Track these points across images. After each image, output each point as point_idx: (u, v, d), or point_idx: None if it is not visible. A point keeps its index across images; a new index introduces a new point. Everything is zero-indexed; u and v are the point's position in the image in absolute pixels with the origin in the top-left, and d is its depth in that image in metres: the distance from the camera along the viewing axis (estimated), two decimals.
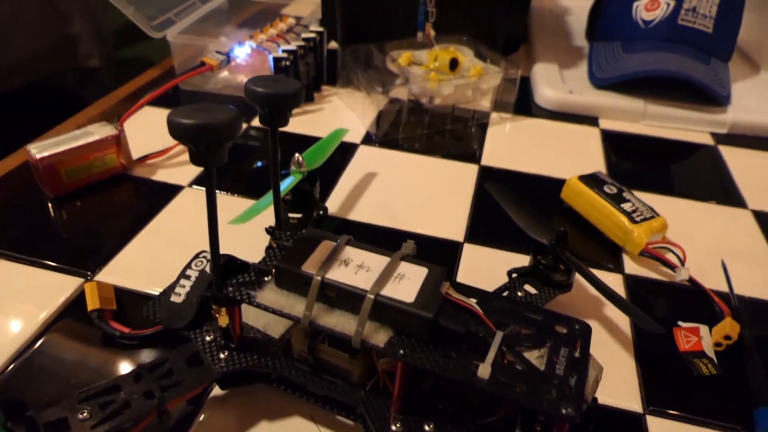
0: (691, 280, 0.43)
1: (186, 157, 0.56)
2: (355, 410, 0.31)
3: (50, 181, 0.47)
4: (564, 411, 0.25)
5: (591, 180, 0.50)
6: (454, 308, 0.29)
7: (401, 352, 0.27)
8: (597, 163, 0.59)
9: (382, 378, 0.31)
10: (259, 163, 0.56)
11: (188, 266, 0.35)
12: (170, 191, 0.51)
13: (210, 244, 0.28)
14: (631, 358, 0.38)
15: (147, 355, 0.36)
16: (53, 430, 0.26)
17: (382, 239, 0.47)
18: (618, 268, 0.46)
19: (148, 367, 0.31)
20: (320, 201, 0.48)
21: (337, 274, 0.29)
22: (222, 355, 0.32)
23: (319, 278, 0.28)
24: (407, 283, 0.29)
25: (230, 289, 0.30)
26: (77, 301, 0.39)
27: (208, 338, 0.33)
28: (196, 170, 0.54)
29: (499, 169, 0.58)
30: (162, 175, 0.53)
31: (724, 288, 0.44)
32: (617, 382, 0.36)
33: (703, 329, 0.40)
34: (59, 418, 0.27)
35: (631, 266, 0.46)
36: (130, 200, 0.50)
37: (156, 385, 0.30)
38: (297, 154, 0.46)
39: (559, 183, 0.53)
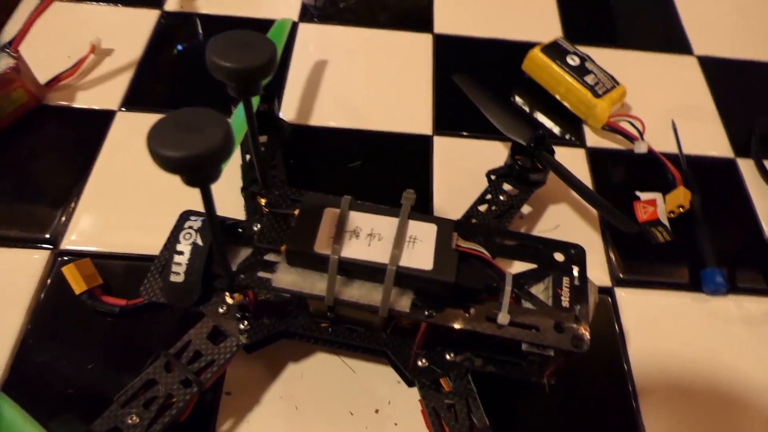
0: (649, 151, 0.46)
1: (104, 71, 0.48)
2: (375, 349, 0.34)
3: None
4: (577, 345, 0.29)
5: (553, 51, 0.48)
6: (467, 260, 0.30)
7: (426, 313, 0.29)
8: (551, 15, 0.57)
9: (402, 323, 0.33)
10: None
11: (177, 240, 0.33)
12: (101, 119, 0.45)
13: (216, 257, 0.26)
14: (599, 236, 0.43)
15: (151, 321, 0.36)
16: None
17: (349, 143, 0.45)
18: (580, 142, 0.48)
19: (174, 354, 0.31)
20: (281, 118, 0.44)
21: (352, 250, 0.29)
22: (242, 326, 0.32)
23: (336, 257, 0.28)
24: (421, 246, 0.29)
25: (242, 276, 0.29)
26: (55, 279, 0.37)
27: (221, 310, 0.33)
28: (122, 88, 0.47)
29: (454, 37, 0.54)
30: (84, 99, 0.46)
31: (676, 150, 0.47)
32: (588, 263, 0.41)
33: (659, 198, 0.44)
34: (110, 429, 0.28)
35: (592, 139, 0.48)
36: (60, 140, 0.44)
37: (190, 371, 0.30)
38: None
39: (518, 47, 0.51)
